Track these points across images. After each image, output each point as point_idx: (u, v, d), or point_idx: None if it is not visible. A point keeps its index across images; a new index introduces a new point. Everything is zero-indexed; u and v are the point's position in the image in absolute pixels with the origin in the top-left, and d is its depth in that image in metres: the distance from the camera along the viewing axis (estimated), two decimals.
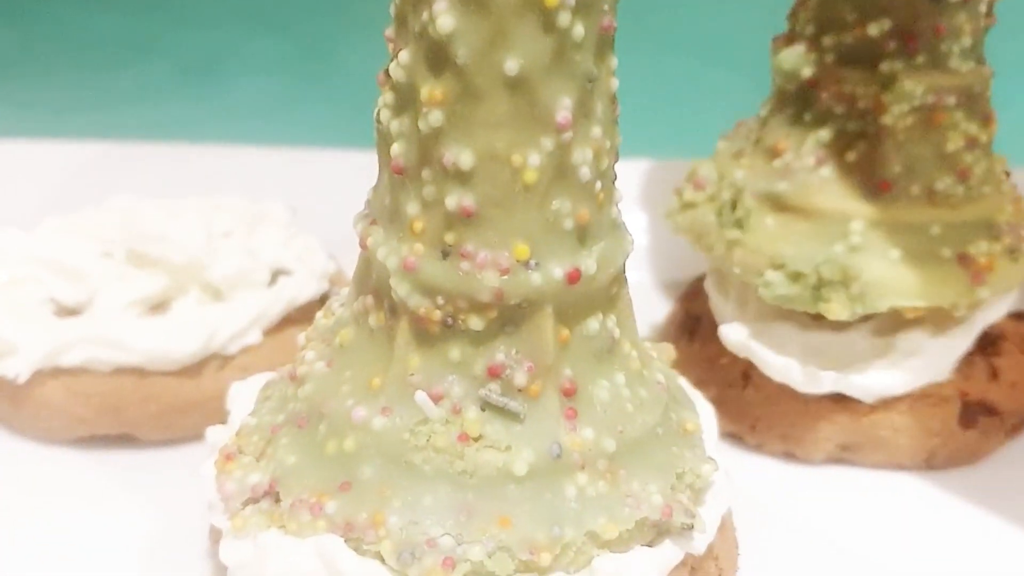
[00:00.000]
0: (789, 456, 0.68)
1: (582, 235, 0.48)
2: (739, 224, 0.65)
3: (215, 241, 0.69)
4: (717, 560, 0.52)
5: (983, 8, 0.63)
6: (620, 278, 0.51)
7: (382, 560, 0.46)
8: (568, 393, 0.49)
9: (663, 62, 1.31)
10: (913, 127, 0.62)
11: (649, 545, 0.49)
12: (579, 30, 0.44)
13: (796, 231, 0.64)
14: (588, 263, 0.48)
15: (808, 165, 0.64)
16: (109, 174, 0.96)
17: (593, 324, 0.50)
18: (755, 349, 0.65)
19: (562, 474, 0.48)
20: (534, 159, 0.45)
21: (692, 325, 0.74)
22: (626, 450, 0.49)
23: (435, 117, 0.45)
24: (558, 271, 0.47)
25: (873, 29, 0.62)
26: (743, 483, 0.58)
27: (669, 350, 0.60)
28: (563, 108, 0.45)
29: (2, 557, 0.56)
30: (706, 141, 0.74)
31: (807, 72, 0.64)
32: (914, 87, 0.62)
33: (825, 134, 0.64)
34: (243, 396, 0.57)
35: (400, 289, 0.47)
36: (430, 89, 0.45)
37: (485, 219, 0.46)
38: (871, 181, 0.63)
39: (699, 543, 0.50)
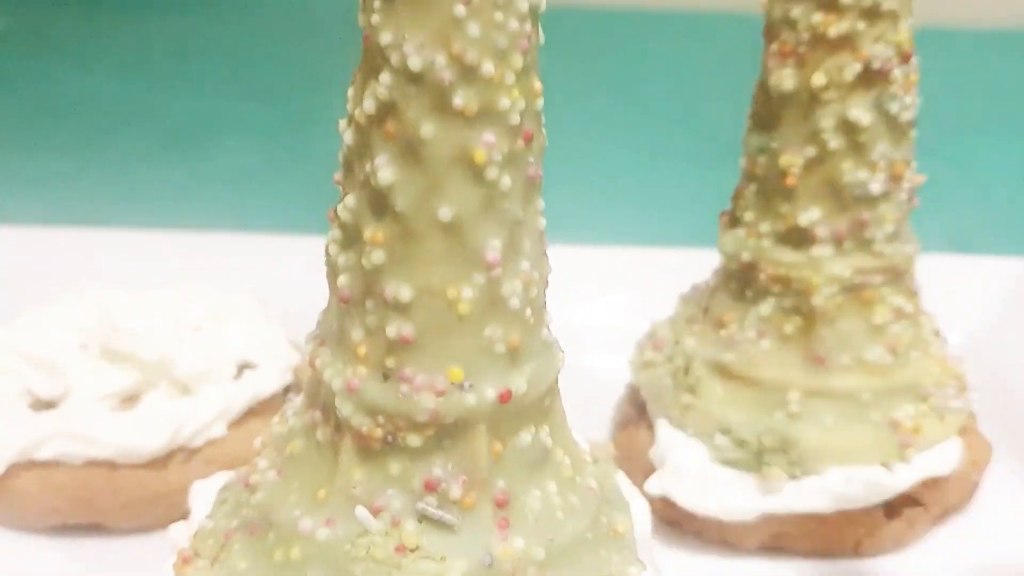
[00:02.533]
0: (724, 543, 0.72)
1: (513, 357, 0.52)
2: (691, 390, 0.72)
3: (184, 335, 0.73)
4: None
5: (904, 196, 0.69)
6: (553, 390, 0.55)
7: None
8: (501, 504, 0.53)
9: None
10: (843, 305, 0.69)
11: None
12: (506, 181, 0.49)
13: (741, 398, 0.71)
14: (519, 383, 0.52)
15: (750, 337, 0.71)
16: (84, 260, 0.99)
17: (526, 437, 0.54)
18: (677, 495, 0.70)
19: None
20: (467, 292, 0.50)
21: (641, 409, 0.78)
22: (555, 558, 0.53)
23: (377, 255, 0.50)
24: (491, 392, 0.51)
25: (803, 219, 0.68)
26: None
27: (608, 449, 0.64)
28: (492, 248, 0.50)
29: None
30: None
31: (746, 256, 0.70)
32: (842, 271, 0.69)
33: (764, 309, 0.70)
34: (204, 495, 0.61)
35: (344, 409, 0.52)
36: (372, 231, 0.49)
37: (423, 346, 0.50)
38: (807, 353, 0.70)
39: None
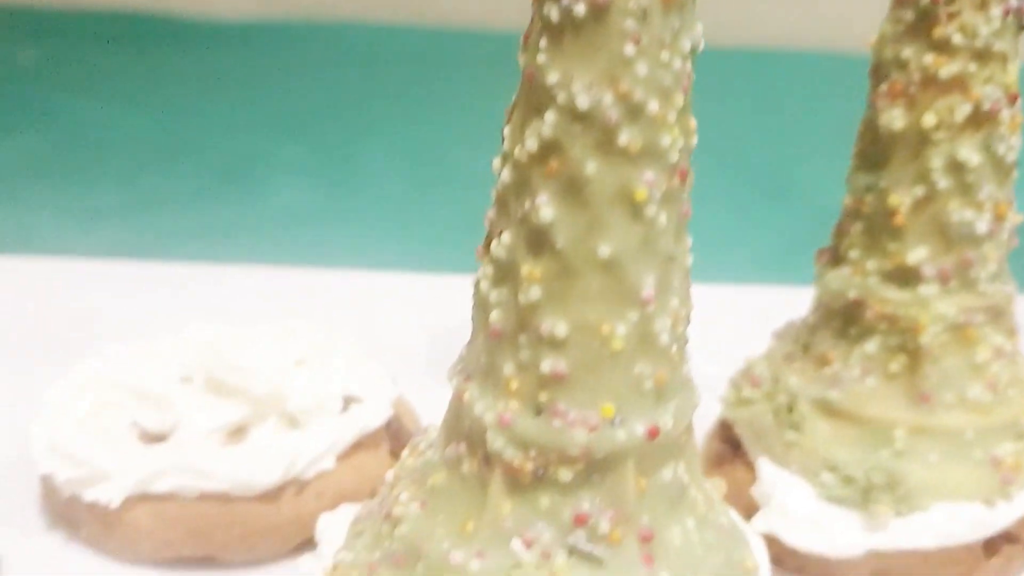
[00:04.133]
0: None
1: (660, 394, 0.53)
2: (796, 427, 0.72)
3: (289, 370, 0.74)
4: None
5: (1005, 236, 0.70)
6: (689, 427, 0.56)
7: None
8: (646, 539, 0.53)
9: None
10: (947, 343, 0.70)
11: None
12: (663, 218, 0.50)
13: (847, 436, 0.71)
14: (665, 419, 0.53)
15: (855, 375, 0.71)
16: (158, 295, 1.00)
17: (667, 473, 0.54)
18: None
19: None
20: (621, 329, 0.51)
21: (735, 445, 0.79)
22: None
23: (534, 292, 0.50)
24: (640, 428, 0.52)
25: (911, 258, 0.69)
26: None
27: (721, 486, 0.64)
28: (647, 285, 0.51)
29: None
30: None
31: (852, 293, 0.71)
32: (948, 309, 0.69)
33: (870, 347, 0.71)
34: (332, 528, 0.62)
35: (496, 442, 0.52)
36: (530, 268, 0.50)
37: (576, 381, 0.51)
38: (911, 391, 0.70)
39: None
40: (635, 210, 0.49)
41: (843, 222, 0.74)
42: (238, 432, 0.72)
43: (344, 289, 1.06)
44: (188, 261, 1.10)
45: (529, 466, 0.52)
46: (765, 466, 0.73)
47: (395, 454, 0.74)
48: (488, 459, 0.53)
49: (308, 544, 0.70)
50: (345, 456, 0.72)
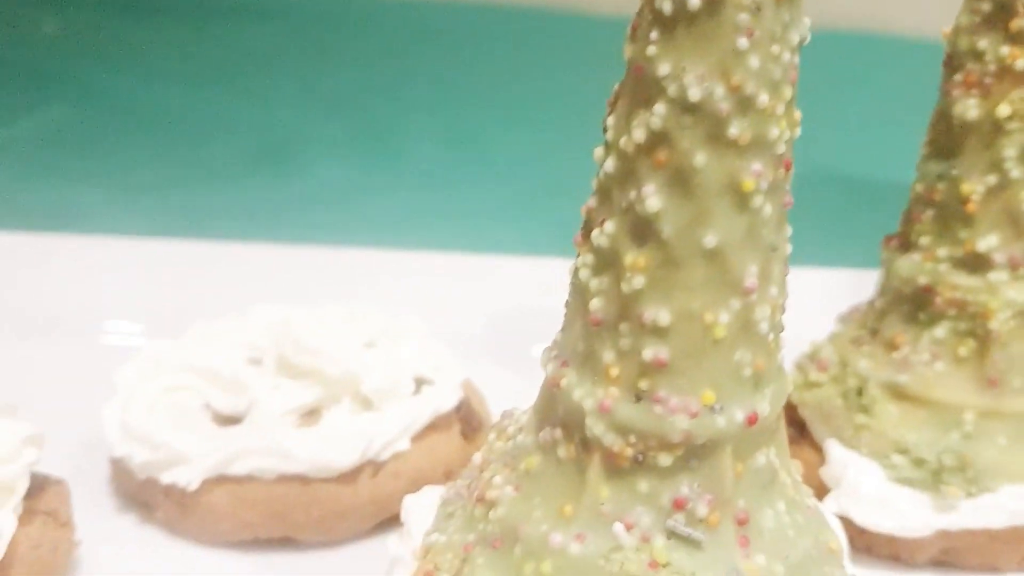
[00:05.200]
0: (895, 559, 0.73)
1: (758, 381, 0.54)
2: (865, 410, 0.74)
3: (362, 352, 0.74)
4: None
5: None
6: (780, 413, 0.57)
7: None
8: (741, 522, 0.54)
9: None
10: (1015, 329, 0.71)
11: None
12: (768, 209, 0.51)
13: (916, 419, 0.73)
14: (763, 406, 0.54)
15: (924, 359, 0.73)
16: (209, 275, 1.00)
17: (761, 458, 0.55)
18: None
19: None
20: (724, 317, 0.51)
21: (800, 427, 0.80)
22: (792, 574, 0.55)
23: (638, 281, 0.51)
24: (739, 414, 0.53)
25: (982, 245, 0.71)
26: None
27: (798, 467, 0.65)
28: (751, 275, 0.51)
29: None
30: None
31: (923, 279, 0.72)
32: (1017, 295, 0.71)
33: (939, 332, 0.72)
34: (417, 509, 0.63)
35: (596, 428, 0.53)
36: (634, 257, 0.51)
37: (677, 369, 0.52)
38: (980, 375, 0.72)
39: None
40: (742, 201, 0.50)
41: (913, 209, 0.74)
42: (311, 414, 0.73)
43: (391, 269, 1.05)
44: (229, 240, 1.09)
45: (628, 452, 0.53)
46: (834, 448, 0.74)
47: (465, 435, 0.76)
48: (586, 444, 0.54)
49: (384, 524, 0.71)
50: (419, 437, 0.73)
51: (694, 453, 0.53)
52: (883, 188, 0.92)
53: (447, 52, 1.77)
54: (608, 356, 0.53)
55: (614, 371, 0.53)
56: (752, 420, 0.53)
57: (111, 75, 1.65)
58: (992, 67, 0.68)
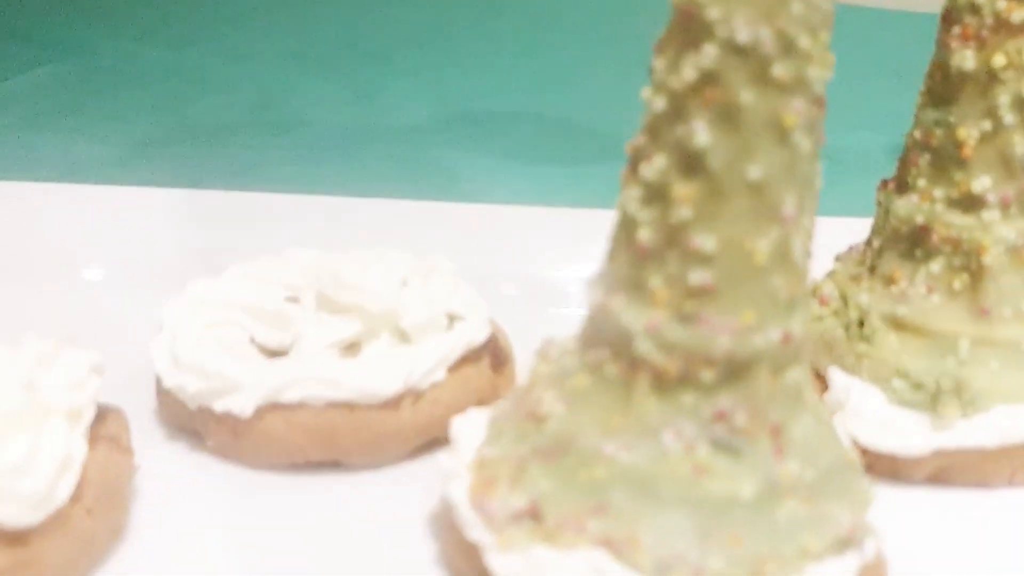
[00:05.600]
0: (894, 476, 0.79)
1: (791, 304, 0.59)
2: (867, 340, 0.79)
3: (396, 290, 0.79)
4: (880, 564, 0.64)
5: None
6: (805, 336, 0.62)
7: (641, 571, 0.57)
8: (775, 433, 0.60)
9: None
10: (1005, 263, 0.77)
11: (838, 555, 0.60)
12: (806, 144, 0.56)
13: (914, 347, 0.78)
14: (795, 326, 0.59)
15: (921, 292, 0.79)
16: (230, 224, 1.04)
17: (791, 375, 0.61)
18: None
19: (775, 500, 0.59)
20: (763, 245, 0.56)
21: None
22: (823, 480, 0.60)
23: (685, 211, 0.56)
24: (775, 334, 0.58)
25: (976, 186, 0.76)
26: None
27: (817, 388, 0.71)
28: (789, 205, 0.56)
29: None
30: None
31: (920, 219, 0.78)
32: (1008, 232, 0.77)
33: (935, 267, 0.78)
34: (466, 428, 0.67)
35: (644, 347, 0.58)
36: (682, 189, 0.56)
37: (720, 292, 0.57)
38: (973, 306, 0.78)
39: (870, 550, 0.62)
40: (783, 136, 0.55)
41: (910, 154, 0.80)
42: (351, 347, 0.77)
43: (386, 218, 1.09)
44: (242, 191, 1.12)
45: (674, 368, 0.58)
46: (837, 375, 0.80)
47: (493, 367, 0.80)
48: (633, 363, 0.59)
49: (425, 448, 0.76)
50: (453, 368, 0.77)
51: (734, 370, 0.58)
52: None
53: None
54: (655, 281, 0.58)
55: (661, 295, 0.58)
56: (786, 339, 0.58)
57: (103, 34, 1.67)
58: (989, 20, 0.74)
